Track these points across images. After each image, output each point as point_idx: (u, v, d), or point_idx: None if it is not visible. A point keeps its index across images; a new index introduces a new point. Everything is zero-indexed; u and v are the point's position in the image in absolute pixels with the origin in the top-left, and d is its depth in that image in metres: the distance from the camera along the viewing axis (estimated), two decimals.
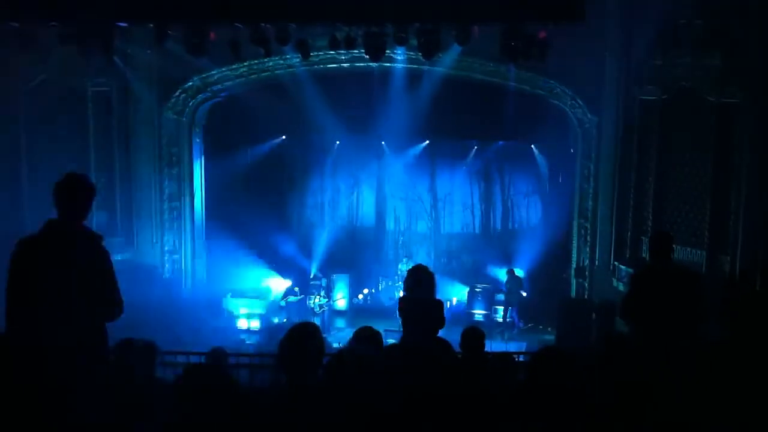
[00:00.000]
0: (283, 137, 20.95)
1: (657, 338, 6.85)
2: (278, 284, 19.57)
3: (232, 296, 18.26)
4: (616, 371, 5.45)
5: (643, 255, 15.02)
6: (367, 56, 13.46)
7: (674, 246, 7.31)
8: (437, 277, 8.22)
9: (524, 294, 18.67)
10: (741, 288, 7.67)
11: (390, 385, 4.56)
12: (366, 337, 5.62)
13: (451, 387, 5.74)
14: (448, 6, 11.89)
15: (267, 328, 17.69)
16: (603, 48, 15.51)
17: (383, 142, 20.91)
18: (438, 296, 8.08)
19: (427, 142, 20.81)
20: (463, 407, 5.22)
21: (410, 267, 8.55)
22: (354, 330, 6.23)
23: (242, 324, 17.87)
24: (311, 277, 19.74)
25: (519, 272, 19.01)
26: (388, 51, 13.80)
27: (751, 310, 6.81)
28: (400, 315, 8.01)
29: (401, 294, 8.25)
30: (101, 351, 5.15)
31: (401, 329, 7.98)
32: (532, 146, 19.93)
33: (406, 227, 21.86)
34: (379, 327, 15.59)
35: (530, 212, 21.12)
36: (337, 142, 20.89)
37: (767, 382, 5.21)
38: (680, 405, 5.03)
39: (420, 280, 7.90)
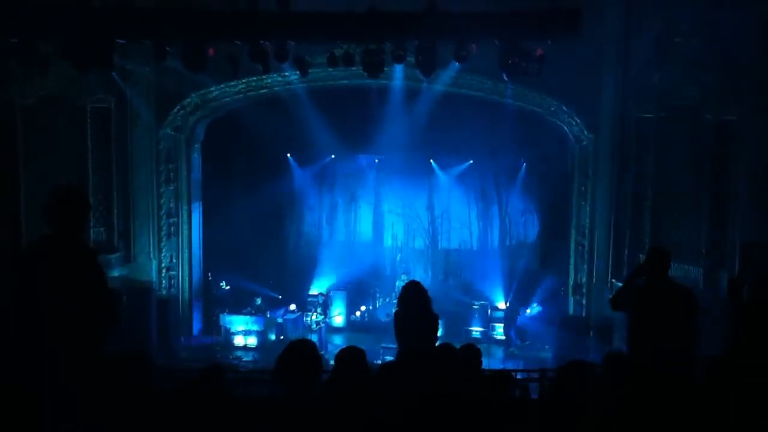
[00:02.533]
0: (287, 155, 21.03)
1: (655, 355, 6.85)
2: (275, 301, 19.54)
3: (228, 313, 18.22)
4: (618, 389, 5.45)
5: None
6: (366, 73, 13.50)
7: (671, 263, 7.32)
8: (436, 294, 8.27)
9: (527, 311, 18.69)
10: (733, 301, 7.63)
11: (387, 402, 4.57)
12: (347, 360, 5.52)
13: (449, 394, 5.74)
14: (446, 23, 11.94)
15: (264, 345, 17.67)
16: (600, 66, 15.60)
17: (381, 158, 20.94)
18: (431, 312, 8.15)
19: (424, 159, 20.88)
20: (462, 416, 5.22)
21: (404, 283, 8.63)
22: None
23: (239, 341, 17.83)
24: (308, 293, 19.71)
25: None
26: (386, 68, 13.84)
27: (748, 324, 6.82)
28: (395, 331, 8.09)
29: (395, 310, 8.32)
30: (96, 364, 5.13)
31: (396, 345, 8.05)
32: (529, 163, 19.97)
33: (403, 244, 21.84)
34: (377, 343, 15.61)
35: (527, 229, 21.11)
36: (332, 156, 20.91)
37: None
38: (681, 421, 5.03)
39: (413, 296, 8.00)
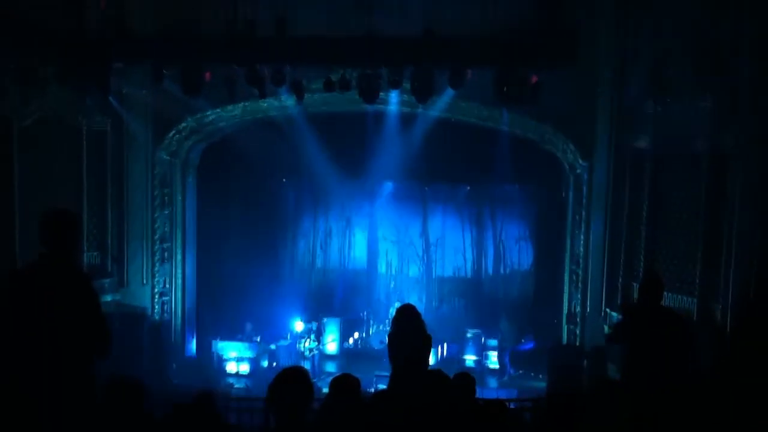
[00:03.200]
0: (283, 180, 21.03)
1: (647, 380, 6.83)
2: (268, 327, 19.48)
3: (221, 339, 18.12)
4: (608, 414, 5.41)
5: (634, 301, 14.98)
6: (361, 98, 13.53)
7: (665, 291, 7.30)
8: (430, 322, 8.26)
9: (521, 340, 18.62)
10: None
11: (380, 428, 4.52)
12: (342, 388, 5.54)
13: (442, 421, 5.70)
14: (442, 50, 12.01)
15: (256, 372, 17.56)
16: (595, 95, 15.67)
17: (375, 185, 20.95)
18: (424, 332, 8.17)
19: (419, 186, 20.90)
20: None
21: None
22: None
23: (231, 367, 17.72)
24: (301, 320, 19.63)
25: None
26: (382, 94, 13.88)
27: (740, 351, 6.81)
28: (388, 353, 8.09)
29: (389, 332, 8.33)
30: (88, 389, 5.08)
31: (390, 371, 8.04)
32: (524, 191, 19.99)
33: (398, 271, 21.81)
34: (370, 371, 15.57)
35: (522, 257, 21.10)
36: (327, 181, 20.90)
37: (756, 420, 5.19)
38: None
39: (406, 317, 8.02)
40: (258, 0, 15.29)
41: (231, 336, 18.27)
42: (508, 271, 21.32)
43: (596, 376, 6.25)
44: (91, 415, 5.09)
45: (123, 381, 5.90)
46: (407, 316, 8.00)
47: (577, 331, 17.02)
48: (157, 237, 17.66)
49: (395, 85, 13.09)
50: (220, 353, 17.90)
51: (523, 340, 18.77)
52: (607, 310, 16.06)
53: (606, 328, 15.96)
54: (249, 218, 20.01)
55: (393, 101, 15.79)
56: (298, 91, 14.18)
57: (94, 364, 5.15)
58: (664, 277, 14.33)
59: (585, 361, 15.89)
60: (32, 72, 13.04)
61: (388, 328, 18.94)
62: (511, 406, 10.78)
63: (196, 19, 15.15)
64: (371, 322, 20.37)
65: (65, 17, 12.03)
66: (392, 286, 21.59)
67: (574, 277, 17.12)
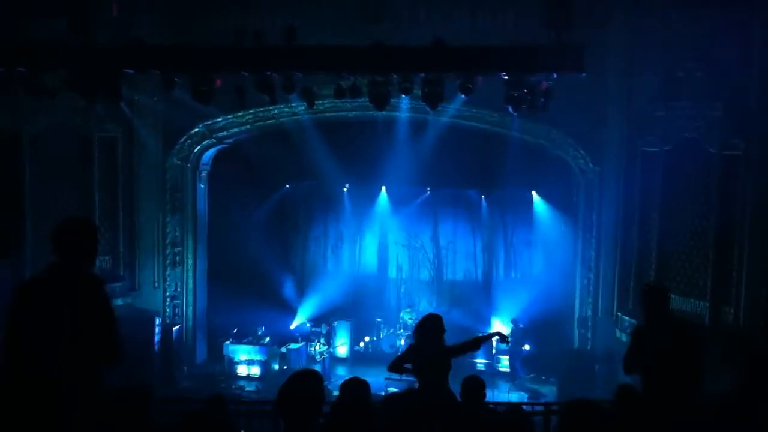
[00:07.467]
0: (294, 185, 21.09)
1: (663, 392, 6.79)
2: (280, 330, 19.54)
3: (232, 342, 18.18)
4: (628, 425, 5.42)
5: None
6: (372, 105, 13.55)
7: (670, 296, 7.25)
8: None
9: (527, 347, 18.54)
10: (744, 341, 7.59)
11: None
12: (351, 391, 5.59)
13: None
14: (452, 56, 12.00)
15: (267, 375, 17.61)
16: (605, 100, 15.67)
17: (386, 190, 20.96)
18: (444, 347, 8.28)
19: (429, 191, 20.90)
20: None
21: (422, 315, 8.82)
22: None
23: (242, 370, 17.78)
24: (312, 323, 19.68)
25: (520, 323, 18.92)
26: (393, 100, 13.89)
27: (755, 363, 6.76)
28: (410, 362, 8.18)
29: (410, 342, 8.44)
30: (97, 396, 5.07)
31: (403, 378, 8.15)
32: (535, 195, 19.95)
33: (408, 275, 21.79)
34: (380, 374, 15.57)
35: (533, 261, 21.05)
36: (343, 187, 20.94)
37: None
38: None
39: (429, 329, 8.15)
40: (267, 10, 15.44)
41: (242, 339, 18.33)
42: (519, 275, 21.28)
43: (619, 386, 6.16)
44: (98, 422, 5.09)
45: (131, 388, 5.93)
46: (426, 328, 8.10)
47: (589, 335, 16.99)
48: (168, 241, 17.76)
49: (406, 91, 13.08)
50: (231, 356, 17.95)
51: (534, 342, 18.70)
52: (619, 314, 16.04)
53: (617, 331, 15.94)
54: (260, 223, 20.06)
55: (404, 107, 15.80)
56: (308, 97, 14.22)
57: (103, 374, 5.12)
58: (675, 280, 14.37)
59: (596, 366, 15.88)
60: (41, 83, 13.08)
61: (399, 332, 19.00)
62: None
63: (207, 28, 15.26)
64: (382, 325, 20.38)
65: (75, 25, 12.07)
66: (403, 290, 21.59)
67: (585, 281, 17.09)
